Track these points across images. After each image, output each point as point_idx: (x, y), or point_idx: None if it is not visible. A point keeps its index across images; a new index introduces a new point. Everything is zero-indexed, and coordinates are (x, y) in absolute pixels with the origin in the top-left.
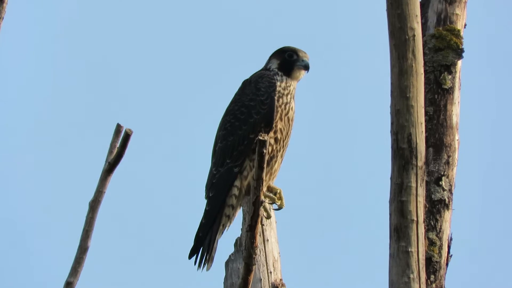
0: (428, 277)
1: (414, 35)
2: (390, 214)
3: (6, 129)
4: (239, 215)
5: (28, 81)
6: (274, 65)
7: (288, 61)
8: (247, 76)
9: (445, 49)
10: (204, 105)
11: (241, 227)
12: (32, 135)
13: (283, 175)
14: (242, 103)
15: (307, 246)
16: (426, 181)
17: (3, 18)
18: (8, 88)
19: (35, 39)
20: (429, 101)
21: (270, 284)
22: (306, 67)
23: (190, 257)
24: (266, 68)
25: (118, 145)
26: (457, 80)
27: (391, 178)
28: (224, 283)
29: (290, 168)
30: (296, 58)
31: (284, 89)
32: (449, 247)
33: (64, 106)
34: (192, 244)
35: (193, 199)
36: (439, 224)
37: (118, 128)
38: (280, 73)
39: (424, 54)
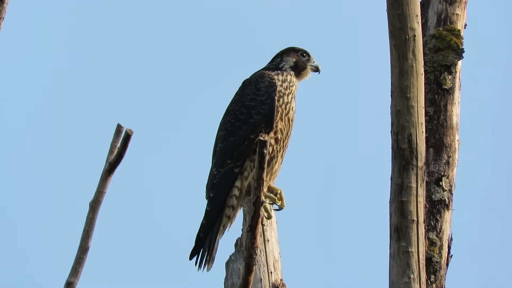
0: (428, 277)
1: (414, 35)
2: (391, 214)
3: (6, 129)
4: (239, 215)
5: (28, 81)
6: (288, 63)
7: (302, 61)
8: (247, 76)
9: (445, 49)
10: (204, 105)
11: (241, 227)
12: (32, 135)
13: (283, 176)
14: (243, 103)
15: (307, 246)
16: (426, 182)
17: (3, 18)
18: (8, 87)
19: (35, 39)
20: (429, 102)
21: (271, 284)
22: (318, 69)
23: (191, 258)
24: (276, 66)
25: (118, 145)
26: (457, 80)
27: (391, 179)
28: (225, 283)
29: (291, 169)
30: (308, 58)
31: (286, 88)
32: (449, 247)
33: (64, 106)
34: (193, 244)
35: (194, 200)
36: (439, 224)
37: (119, 128)
38: (292, 72)
39: (424, 54)
